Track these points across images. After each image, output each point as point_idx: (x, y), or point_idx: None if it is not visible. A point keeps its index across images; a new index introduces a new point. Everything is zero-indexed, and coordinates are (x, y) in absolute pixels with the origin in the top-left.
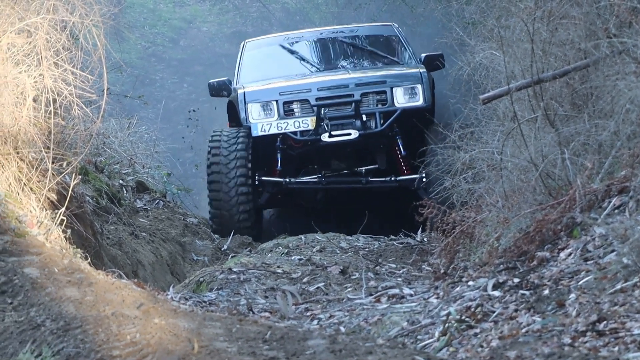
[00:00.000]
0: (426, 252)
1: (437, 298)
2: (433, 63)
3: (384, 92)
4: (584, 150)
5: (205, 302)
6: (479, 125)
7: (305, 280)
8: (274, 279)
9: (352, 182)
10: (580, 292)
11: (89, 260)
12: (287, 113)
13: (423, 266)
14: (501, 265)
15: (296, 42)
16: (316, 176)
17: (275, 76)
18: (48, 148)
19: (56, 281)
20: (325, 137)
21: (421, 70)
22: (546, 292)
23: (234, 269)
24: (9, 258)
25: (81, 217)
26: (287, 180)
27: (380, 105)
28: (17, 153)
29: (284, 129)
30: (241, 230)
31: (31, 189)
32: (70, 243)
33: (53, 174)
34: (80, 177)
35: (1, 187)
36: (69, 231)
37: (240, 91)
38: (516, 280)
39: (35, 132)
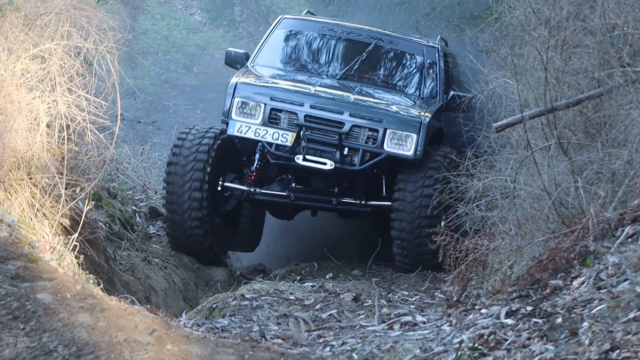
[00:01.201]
0: (439, 279)
1: (450, 326)
2: (458, 105)
3: (377, 130)
4: (597, 178)
5: (217, 328)
6: (492, 153)
7: (317, 307)
8: (286, 306)
9: (322, 200)
10: (593, 320)
11: (102, 286)
12: (272, 121)
13: (436, 293)
14: (514, 293)
15: (332, 35)
16: (285, 191)
17: (289, 68)
18: (61, 174)
19: (69, 307)
20: (299, 159)
21: (423, 119)
22: (559, 320)
23: (247, 296)
24: (21, 283)
25: (94, 243)
26: (253, 190)
27: (367, 143)
28: (30, 179)
29: (261, 137)
30: (193, 237)
31: (44, 214)
32: (83, 269)
33: (66, 200)
34: (93, 203)
35: (14, 212)
36: (81, 257)
37: (233, 80)
38: (529, 308)
39: (48, 157)
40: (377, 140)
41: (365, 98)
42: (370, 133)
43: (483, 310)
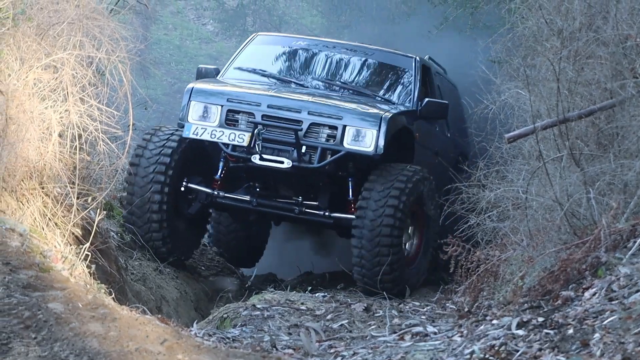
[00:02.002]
0: (450, 290)
1: (461, 336)
2: (434, 111)
3: (336, 127)
4: (610, 189)
5: (229, 338)
6: (504, 164)
7: (329, 317)
8: (297, 316)
9: (284, 209)
10: (605, 331)
11: (113, 295)
12: (229, 122)
13: (447, 304)
14: (525, 304)
15: (304, 49)
16: (247, 196)
17: (255, 78)
18: (73, 183)
19: (80, 316)
20: (255, 159)
21: (384, 115)
22: (570, 331)
23: (258, 306)
24: (33, 293)
25: (105, 252)
26: (216, 193)
27: (327, 141)
28: (42, 188)
29: (217, 138)
30: (152, 241)
31: (56, 224)
32: (95, 278)
33: (78, 209)
34: (105, 212)
35: (26, 222)
36: (93, 266)
37: (190, 85)
38: (540, 319)
39: (60, 167)
40: (337, 138)
41: (327, 100)
42: (329, 131)
43: (494, 321)
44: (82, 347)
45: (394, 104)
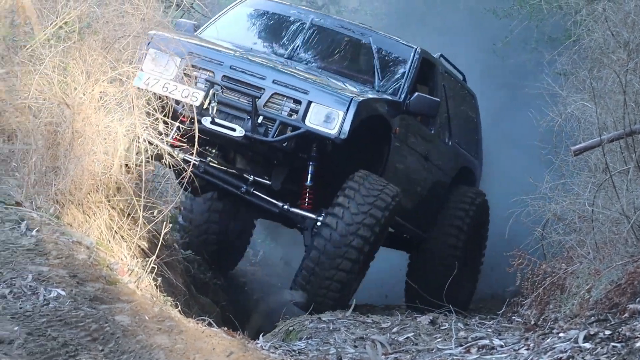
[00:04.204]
0: (516, 303)
1: (528, 349)
2: (422, 107)
3: (300, 102)
4: None
5: (294, 351)
6: (570, 176)
7: (394, 330)
8: (363, 329)
9: (230, 184)
10: None
11: (179, 308)
12: (188, 78)
13: (513, 317)
14: (592, 317)
15: (296, 20)
16: (198, 159)
17: (230, 41)
18: (139, 196)
19: (147, 329)
20: (206, 121)
21: (355, 98)
22: (638, 344)
23: (324, 318)
24: (100, 305)
25: (172, 265)
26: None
27: (288, 115)
28: (109, 201)
29: (168, 92)
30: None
31: (122, 236)
32: (161, 291)
33: (144, 222)
34: (170, 225)
35: (93, 235)
36: (159, 279)
37: (152, 32)
38: (607, 332)
39: (126, 180)
40: (299, 113)
41: (297, 71)
42: (293, 105)
43: (561, 334)
44: (149, 359)
45: (374, 89)
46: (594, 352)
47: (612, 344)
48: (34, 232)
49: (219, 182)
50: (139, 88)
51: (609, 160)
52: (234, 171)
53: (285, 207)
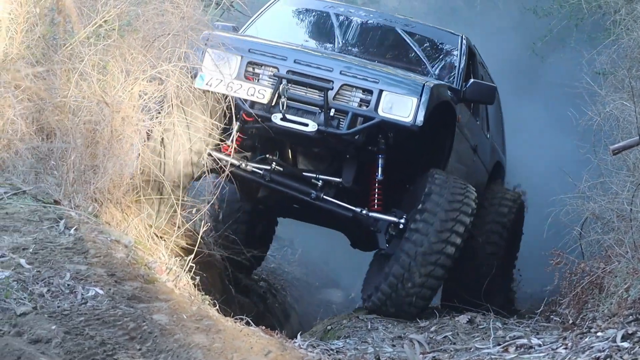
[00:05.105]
0: (555, 302)
1: (566, 349)
2: (481, 94)
3: (371, 92)
4: None
5: (332, 350)
6: (608, 175)
7: (432, 329)
8: (401, 328)
9: (299, 190)
10: None
11: (217, 307)
12: (249, 76)
13: (551, 316)
14: (630, 317)
15: (339, 15)
16: (262, 170)
17: (280, 39)
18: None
19: (185, 327)
20: (276, 118)
21: (427, 84)
22: None
23: (361, 317)
24: (138, 304)
25: (210, 264)
26: (233, 162)
27: (359, 106)
28: (147, 200)
29: (234, 92)
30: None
31: (160, 235)
32: (199, 290)
33: (182, 221)
34: (209, 224)
35: (131, 233)
36: (197, 278)
37: (206, 32)
38: None
39: (164, 179)
40: (371, 104)
41: (362, 62)
42: (363, 95)
43: (599, 334)
44: (187, 358)
45: (434, 76)
46: (632, 352)
47: None
48: (72, 231)
49: (287, 189)
50: (202, 90)
51: None
52: (300, 176)
53: (364, 212)
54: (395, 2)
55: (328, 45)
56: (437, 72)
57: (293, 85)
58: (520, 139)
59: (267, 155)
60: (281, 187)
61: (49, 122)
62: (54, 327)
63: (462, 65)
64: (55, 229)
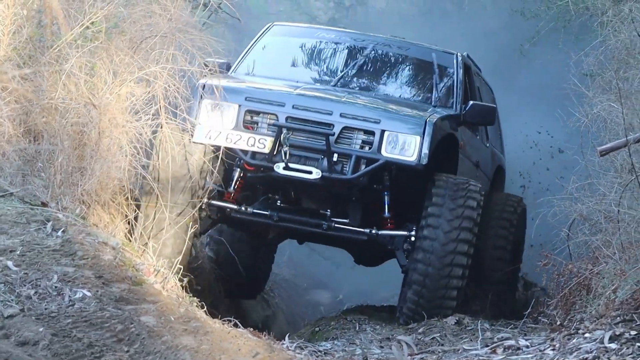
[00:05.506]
0: (542, 303)
1: (553, 350)
2: (480, 116)
3: (372, 133)
4: None
5: (320, 351)
6: (596, 177)
7: (420, 330)
8: (389, 329)
9: (310, 224)
10: None
11: (205, 308)
12: (248, 125)
13: (539, 317)
14: (618, 318)
15: (328, 42)
16: (268, 210)
17: (274, 75)
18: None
19: (172, 329)
20: (279, 168)
21: (429, 118)
22: None
23: (349, 319)
24: (126, 306)
25: (198, 265)
26: (237, 207)
27: (361, 149)
28: (135, 201)
29: (234, 144)
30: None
31: (148, 237)
32: (187, 291)
33: (170, 223)
34: (196, 226)
35: (119, 235)
36: (185, 280)
37: (201, 81)
38: (633, 332)
39: (152, 181)
40: (374, 145)
41: (362, 100)
42: (365, 137)
43: (587, 335)
44: None
45: (435, 106)
46: (620, 353)
47: (638, 344)
48: (59, 233)
49: (297, 225)
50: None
51: (635, 160)
52: (307, 209)
53: (374, 232)
54: (383, 4)
55: (324, 78)
56: (435, 96)
57: (294, 133)
58: (506, 139)
59: (270, 195)
60: (291, 224)
61: (36, 124)
62: (41, 329)
63: (459, 88)
64: (43, 231)
